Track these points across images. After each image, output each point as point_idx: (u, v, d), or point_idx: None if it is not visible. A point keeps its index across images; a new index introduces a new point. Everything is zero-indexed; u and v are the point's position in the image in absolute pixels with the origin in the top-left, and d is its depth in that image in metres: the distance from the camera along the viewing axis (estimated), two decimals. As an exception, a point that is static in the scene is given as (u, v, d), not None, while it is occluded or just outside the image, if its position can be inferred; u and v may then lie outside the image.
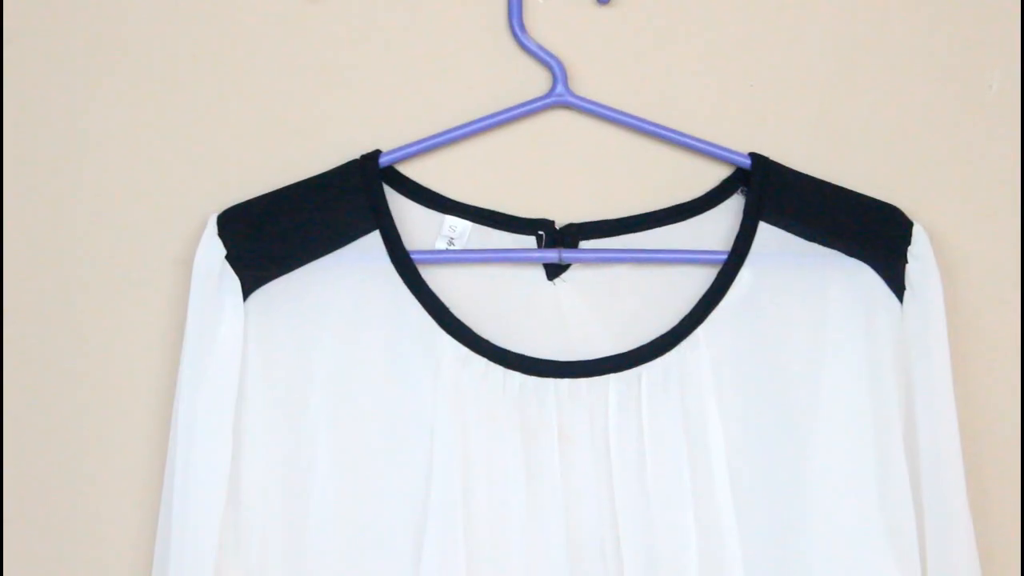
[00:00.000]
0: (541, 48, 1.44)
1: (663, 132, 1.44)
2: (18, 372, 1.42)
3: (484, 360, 1.38)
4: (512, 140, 1.44)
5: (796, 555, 1.37)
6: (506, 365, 1.39)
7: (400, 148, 1.43)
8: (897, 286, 1.40)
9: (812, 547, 1.37)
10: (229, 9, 1.43)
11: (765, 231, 1.41)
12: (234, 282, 1.37)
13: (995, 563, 1.43)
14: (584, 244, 1.43)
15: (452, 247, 1.42)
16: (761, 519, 1.38)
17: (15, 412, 1.42)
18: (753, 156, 1.44)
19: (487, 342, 1.39)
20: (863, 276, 1.40)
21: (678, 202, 1.44)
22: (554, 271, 1.42)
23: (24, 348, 1.42)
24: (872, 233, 1.41)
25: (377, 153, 1.42)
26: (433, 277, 1.40)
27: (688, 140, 1.44)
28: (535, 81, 1.44)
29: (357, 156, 1.42)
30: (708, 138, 1.44)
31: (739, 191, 1.44)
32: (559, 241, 1.42)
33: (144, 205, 1.43)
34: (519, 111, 1.44)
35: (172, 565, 1.34)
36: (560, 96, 1.44)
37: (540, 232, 1.43)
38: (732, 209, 1.44)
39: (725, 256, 1.41)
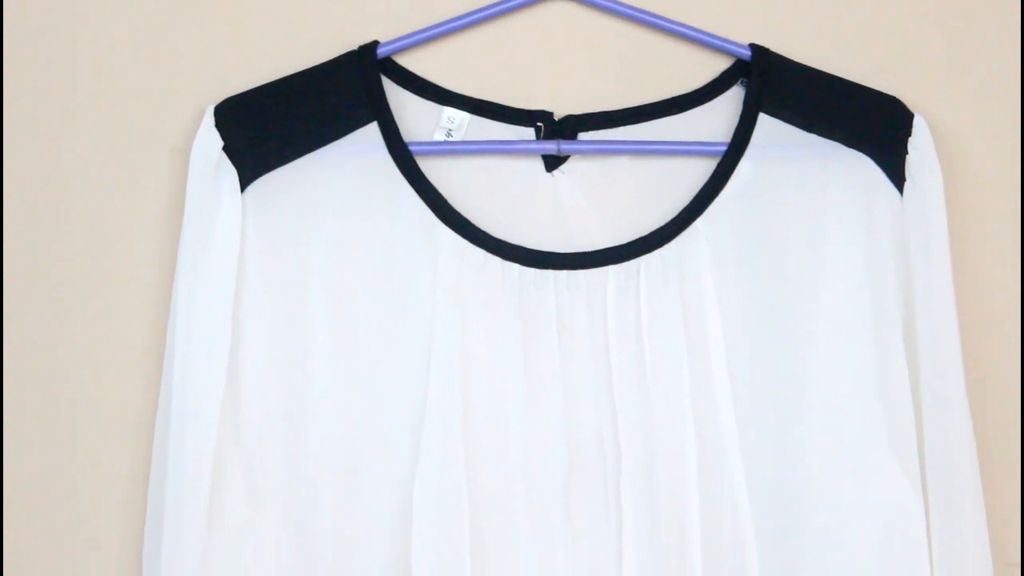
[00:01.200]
0: (540, -62, 1.43)
1: (663, 23, 1.43)
2: (14, 261, 1.42)
3: (482, 252, 1.38)
4: (511, 31, 1.43)
5: (795, 447, 1.38)
6: (505, 257, 1.38)
7: (398, 39, 1.42)
8: (897, 178, 1.40)
9: (810, 439, 1.37)
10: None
11: (765, 122, 1.41)
12: (231, 174, 1.37)
13: (993, 456, 1.43)
14: (583, 136, 1.42)
15: (450, 138, 1.42)
16: (759, 411, 1.38)
17: (12, 300, 1.42)
18: (753, 47, 1.43)
19: (485, 234, 1.38)
20: (863, 167, 1.40)
21: (678, 94, 1.43)
22: (553, 163, 1.42)
23: (21, 237, 1.42)
24: (873, 124, 1.40)
25: (375, 44, 1.41)
26: (431, 169, 1.40)
27: (688, 31, 1.43)
28: (534, -29, 1.43)
29: (355, 48, 1.41)
30: (708, 29, 1.43)
31: (739, 83, 1.43)
32: (558, 133, 1.42)
33: (141, 97, 1.42)
34: (518, 1, 1.42)
35: (171, 457, 1.34)
36: (559, -14, 1.43)
37: (539, 124, 1.42)
38: (731, 101, 1.43)
39: (725, 147, 1.40)
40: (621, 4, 1.43)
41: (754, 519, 1.36)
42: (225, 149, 1.37)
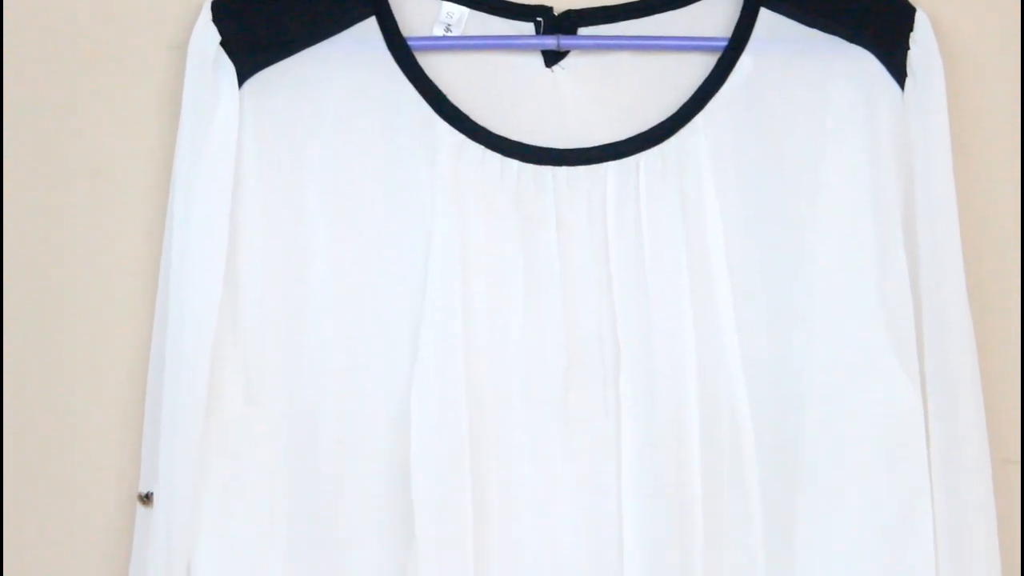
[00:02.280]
0: None
1: (664, -83, 1.42)
2: (12, 156, 1.42)
3: (481, 148, 1.38)
4: (510, -76, 1.42)
5: (793, 346, 1.38)
6: (504, 153, 1.38)
7: (397, -68, 1.41)
8: (898, 73, 1.39)
9: (810, 338, 1.37)
10: None
11: (766, 17, 1.40)
12: (229, 69, 1.36)
13: (992, 354, 1.43)
14: (583, 31, 1.41)
15: (449, 34, 1.41)
16: (758, 308, 1.38)
17: (11, 197, 1.42)
18: (755, -60, 1.42)
19: (484, 129, 1.38)
20: (864, 62, 1.39)
21: (678, -12, 1.42)
22: (552, 58, 1.41)
23: (20, 130, 1.42)
24: (874, 19, 1.39)
25: (373, -63, 1.40)
26: (430, 65, 1.39)
27: (689, -75, 1.42)
28: None
29: (353, -59, 1.40)
30: (710, -77, 1.42)
31: (740, -23, 1.42)
32: (557, 27, 1.41)
33: (139, -6, 1.42)
34: None
35: (169, 358, 1.34)
36: None
37: (538, 18, 1.41)
38: (732, -5, 1.42)
39: (725, 43, 1.39)
40: None
41: (752, 417, 1.36)
42: (223, 44, 1.36)
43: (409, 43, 1.38)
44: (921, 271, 1.38)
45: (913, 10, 1.40)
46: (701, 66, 1.40)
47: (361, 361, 1.36)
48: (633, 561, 1.34)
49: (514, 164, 1.38)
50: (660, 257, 1.37)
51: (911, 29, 1.39)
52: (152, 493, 1.35)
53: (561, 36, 1.40)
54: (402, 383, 1.35)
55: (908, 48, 1.39)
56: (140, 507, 1.36)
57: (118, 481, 1.41)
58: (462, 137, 1.37)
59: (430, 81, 1.38)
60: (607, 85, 1.40)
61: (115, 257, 1.42)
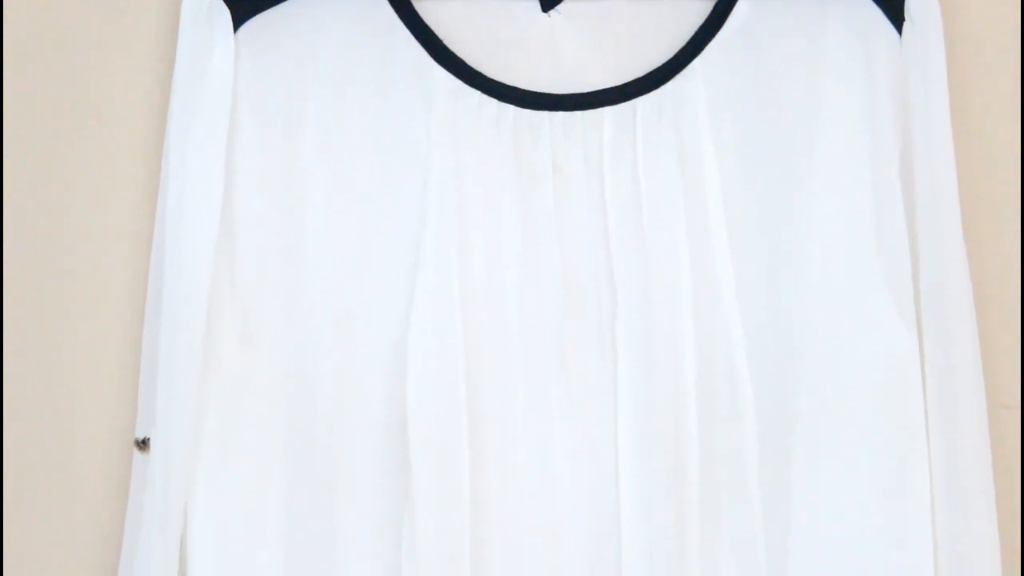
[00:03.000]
0: None
1: None
2: (12, 105, 1.41)
3: (478, 93, 1.37)
4: None
5: (790, 290, 1.37)
6: (500, 98, 1.37)
7: None
8: (896, 18, 1.38)
9: (806, 282, 1.37)
10: None
11: (765, -40, 1.40)
12: (224, 13, 1.36)
13: (990, 298, 1.43)
14: (579, -25, 1.41)
15: (446, -21, 1.41)
16: (755, 254, 1.38)
17: (10, 137, 1.41)
18: None
19: (481, 74, 1.37)
20: (862, 7, 1.38)
21: (676, -68, 1.42)
22: (549, 2, 1.40)
23: (19, 85, 1.41)
24: (871, -37, 1.39)
25: None
26: (427, 10, 1.38)
27: None
28: None
29: None
30: None
31: (738, -79, 1.42)
32: (554, -28, 1.41)
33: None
34: None
35: (166, 303, 1.34)
36: None
37: (535, -37, 1.41)
38: (730, -61, 1.42)
39: (722, -13, 1.39)
40: None
41: (749, 364, 1.36)
42: (217, -12, 1.36)
43: (405, -12, 1.38)
44: (918, 218, 1.38)
45: (911, -45, 1.40)
46: (698, 11, 1.40)
47: (358, 307, 1.36)
48: (630, 507, 1.34)
49: (510, 109, 1.37)
50: (657, 203, 1.37)
51: (909, -26, 1.39)
52: (149, 439, 1.35)
53: (558, -20, 1.40)
54: (399, 329, 1.35)
55: (906, -8, 1.39)
56: (137, 453, 1.36)
57: (114, 427, 1.41)
58: (459, 83, 1.37)
59: (427, 27, 1.37)
60: (604, 30, 1.40)
61: (112, 203, 1.42)
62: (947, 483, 1.35)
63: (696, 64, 1.38)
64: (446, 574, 1.32)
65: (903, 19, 1.38)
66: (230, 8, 1.36)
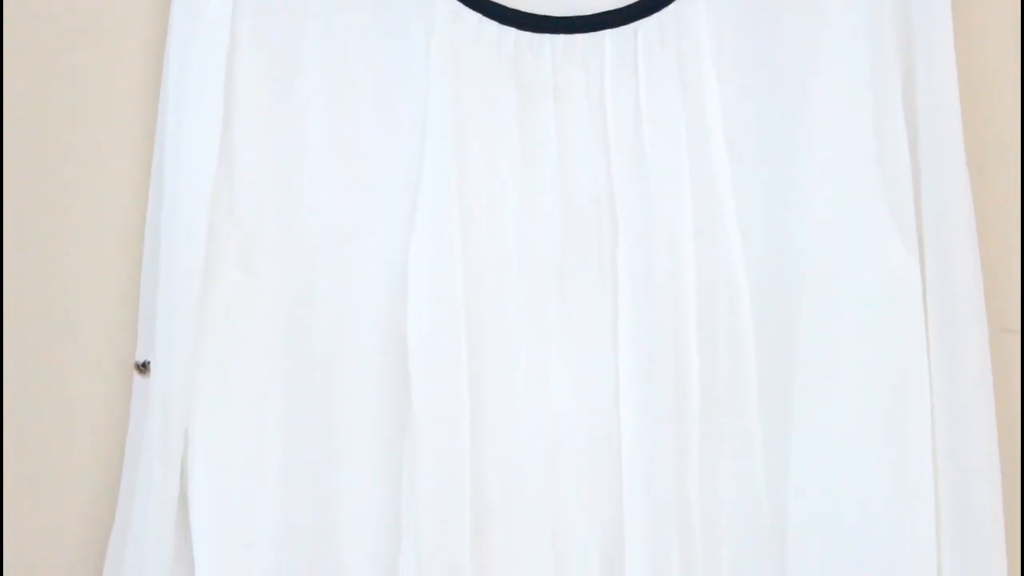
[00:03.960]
0: None
1: None
2: (12, 43, 1.41)
3: (477, 15, 1.36)
4: None
5: (791, 212, 1.37)
6: (500, 20, 1.36)
7: None
8: (898, -63, 1.38)
9: (807, 203, 1.36)
10: None
11: None
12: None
13: (991, 216, 1.42)
14: None
15: (445, -100, 1.39)
16: (756, 176, 1.37)
17: (11, 85, 1.41)
18: None
19: (481, -4, 1.37)
20: (864, -73, 1.38)
21: None
22: (549, -77, 1.40)
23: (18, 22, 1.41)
24: None
25: None
26: (425, -69, 1.38)
27: None
28: None
29: None
30: None
31: None
32: None
33: None
34: None
35: (166, 226, 1.34)
36: None
37: None
38: None
39: (724, -94, 1.38)
40: None
41: (749, 285, 1.36)
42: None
43: (405, -91, 1.37)
44: (920, 140, 1.37)
45: None
46: (701, -70, 1.39)
47: (358, 230, 1.36)
48: (630, 431, 1.34)
49: (511, 32, 1.36)
50: (658, 126, 1.36)
51: None
52: (149, 362, 1.35)
53: (557, -100, 1.39)
54: (398, 252, 1.35)
55: (909, -92, 1.38)
56: (137, 376, 1.37)
57: (114, 351, 1.41)
58: (457, 4, 1.36)
59: (426, -52, 1.37)
60: (604, -49, 1.39)
61: (111, 130, 1.41)
62: (947, 406, 1.35)
63: (697, -14, 1.37)
64: (445, 496, 1.32)
65: (905, -61, 1.37)
66: (227, -75, 1.35)
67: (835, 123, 1.37)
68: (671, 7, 1.37)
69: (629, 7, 1.37)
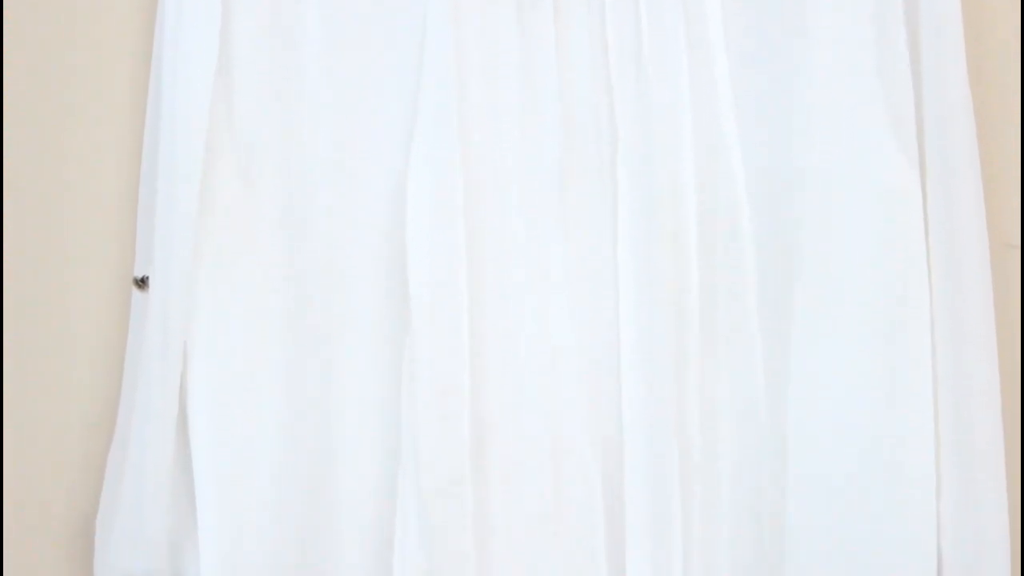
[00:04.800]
0: None
1: None
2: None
3: (476, -73, 1.36)
4: None
5: (792, 126, 1.36)
6: (499, -67, 1.36)
7: None
8: None
9: (808, 119, 1.36)
10: None
11: None
12: None
13: (992, 136, 1.41)
14: None
15: None
16: (757, 89, 1.37)
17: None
18: None
19: (479, -91, 1.36)
20: None
21: None
22: None
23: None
24: None
25: None
26: None
27: None
28: None
29: None
30: None
31: None
32: None
33: None
34: None
35: (163, 138, 1.34)
36: None
37: None
38: None
39: None
40: None
41: (749, 199, 1.36)
42: None
43: None
44: (922, 54, 1.36)
45: None
46: None
47: (357, 144, 1.36)
48: (629, 339, 1.34)
49: (510, -58, 1.36)
50: (658, 37, 1.35)
51: None
52: (147, 277, 1.35)
53: None
54: (398, 163, 1.34)
55: None
56: (136, 291, 1.37)
57: (113, 265, 1.41)
58: (456, -83, 1.35)
59: None
60: None
61: (109, 43, 1.41)
62: (947, 321, 1.35)
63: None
64: (445, 409, 1.33)
65: None
66: None
67: (836, 34, 1.36)
68: (671, -81, 1.36)
69: (628, -80, 1.36)
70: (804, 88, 1.36)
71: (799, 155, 1.36)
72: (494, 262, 1.35)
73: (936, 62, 1.35)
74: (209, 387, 1.35)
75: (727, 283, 1.36)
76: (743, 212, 1.36)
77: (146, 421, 1.33)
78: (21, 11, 1.41)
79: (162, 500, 1.34)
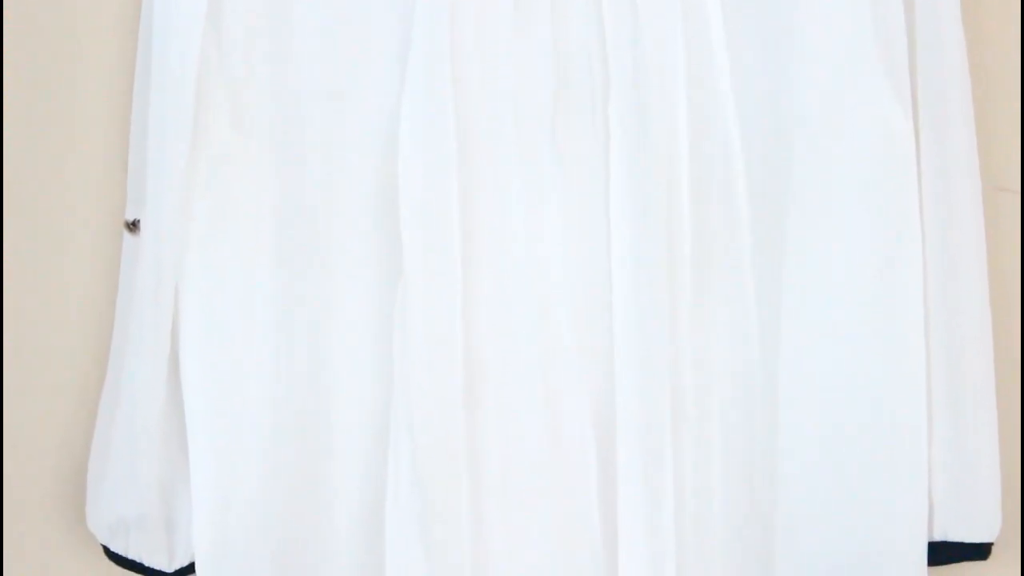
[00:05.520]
0: None
1: None
2: None
3: None
4: None
5: (785, 68, 1.35)
6: None
7: None
8: None
9: (800, 58, 1.35)
10: None
11: None
12: None
13: (988, 76, 1.41)
14: None
15: None
16: (749, 27, 1.35)
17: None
18: None
19: None
20: None
21: None
22: None
23: None
24: None
25: None
26: None
27: None
28: None
29: None
30: None
31: None
32: None
33: None
34: None
35: (154, 81, 1.33)
36: None
37: None
38: None
39: None
40: None
41: (742, 140, 1.35)
42: None
43: None
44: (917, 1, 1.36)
45: None
46: None
47: (348, 86, 1.35)
48: (622, 279, 1.34)
49: None
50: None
51: None
52: (139, 220, 1.35)
53: None
54: (390, 106, 1.34)
55: None
56: (127, 234, 1.36)
57: (104, 209, 1.41)
58: None
59: None
60: None
61: (98, 38, 1.41)
62: (940, 264, 1.35)
63: None
64: (437, 352, 1.32)
65: None
66: None
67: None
68: None
69: None
70: (798, 32, 1.35)
71: (792, 98, 1.35)
72: (487, 204, 1.34)
73: (930, 8, 1.35)
74: (201, 330, 1.35)
75: (719, 222, 1.35)
76: (735, 153, 1.35)
77: (138, 366, 1.33)
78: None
79: (154, 445, 1.34)
